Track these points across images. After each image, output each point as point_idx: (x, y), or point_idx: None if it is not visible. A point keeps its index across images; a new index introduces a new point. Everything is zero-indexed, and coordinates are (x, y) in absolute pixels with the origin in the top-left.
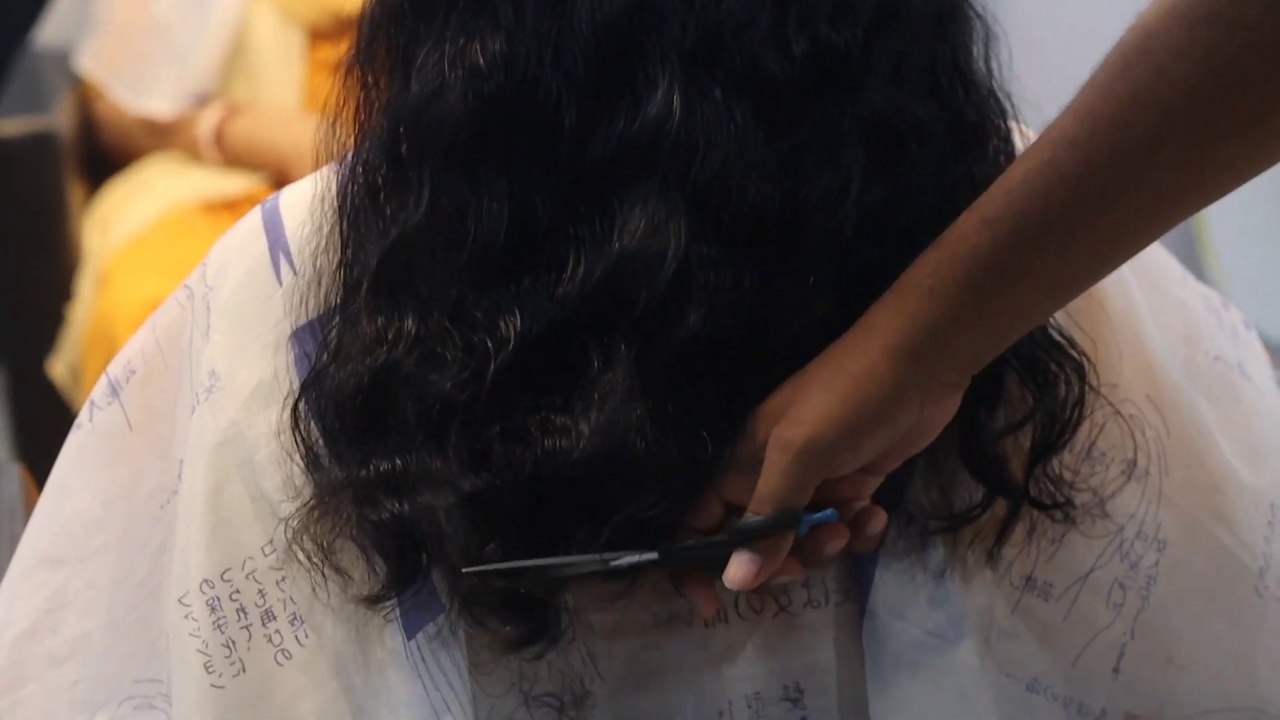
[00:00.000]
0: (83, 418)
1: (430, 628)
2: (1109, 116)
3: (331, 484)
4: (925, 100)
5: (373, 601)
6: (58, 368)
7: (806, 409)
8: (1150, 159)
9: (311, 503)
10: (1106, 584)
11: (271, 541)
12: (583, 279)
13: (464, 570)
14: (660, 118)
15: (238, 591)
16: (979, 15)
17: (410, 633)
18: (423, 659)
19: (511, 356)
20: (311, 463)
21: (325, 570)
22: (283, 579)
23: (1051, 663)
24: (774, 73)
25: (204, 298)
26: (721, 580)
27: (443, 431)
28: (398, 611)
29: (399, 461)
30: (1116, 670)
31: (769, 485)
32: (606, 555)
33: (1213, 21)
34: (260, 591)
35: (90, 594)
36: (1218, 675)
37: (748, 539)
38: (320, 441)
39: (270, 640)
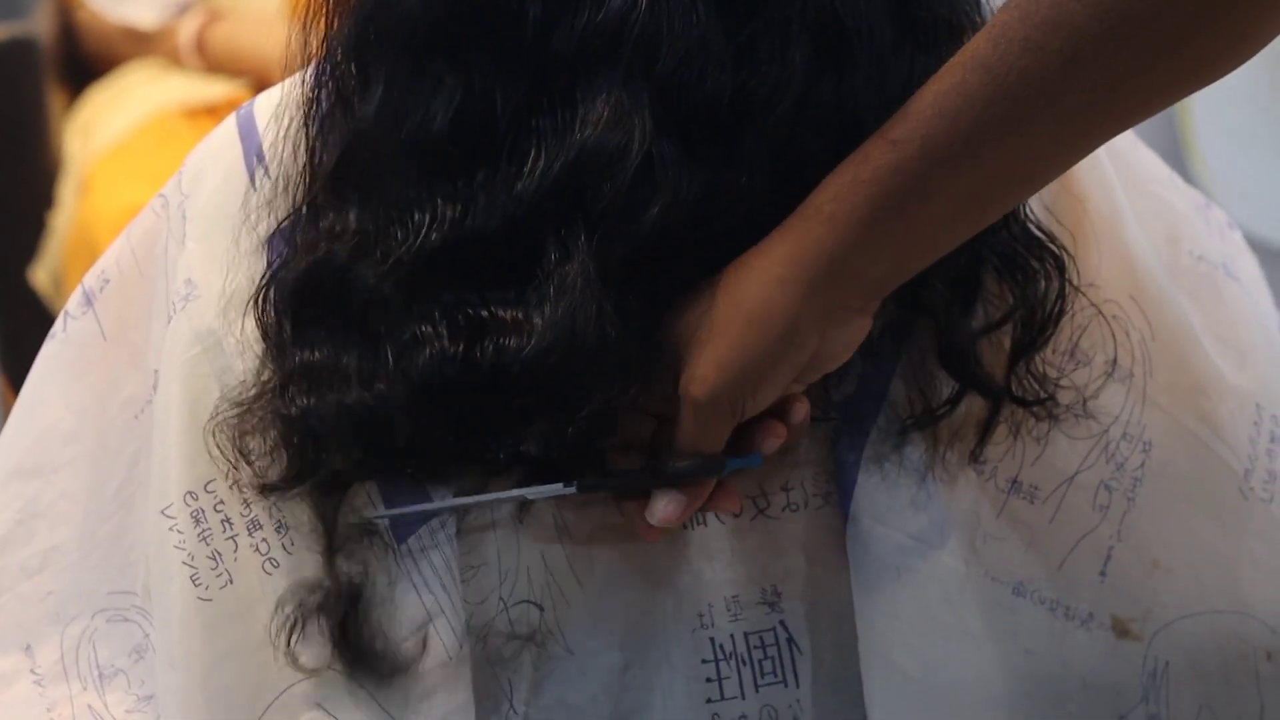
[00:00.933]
0: (57, 328)
1: (423, 531)
2: (1021, 39)
3: (269, 380)
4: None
5: (267, 490)
6: (40, 276)
7: (704, 361)
8: (1062, 83)
9: (242, 397)
10: (1092, 486)
11: (252, 450)
12: (543, 173)
13: (373, 518)
14: (625, 8)
15: (221, 502)
16: None
17: (400, 538)
18: (415, 563)
19: (449, 250)
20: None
21: (234, 459)
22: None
23: (1038, 566)
24: None
25: (179, 205)
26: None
27: (363, 327)
28: (386, 517)
29: (315, 356)
30: (1103, 573)
31: (685, 437)
32: (525, 490)
33: None
34: (245, 501)
35: (63, 505)
36: (1202, 578)
37: (673, 481)
38: (277, 340)
39: (257, 550)
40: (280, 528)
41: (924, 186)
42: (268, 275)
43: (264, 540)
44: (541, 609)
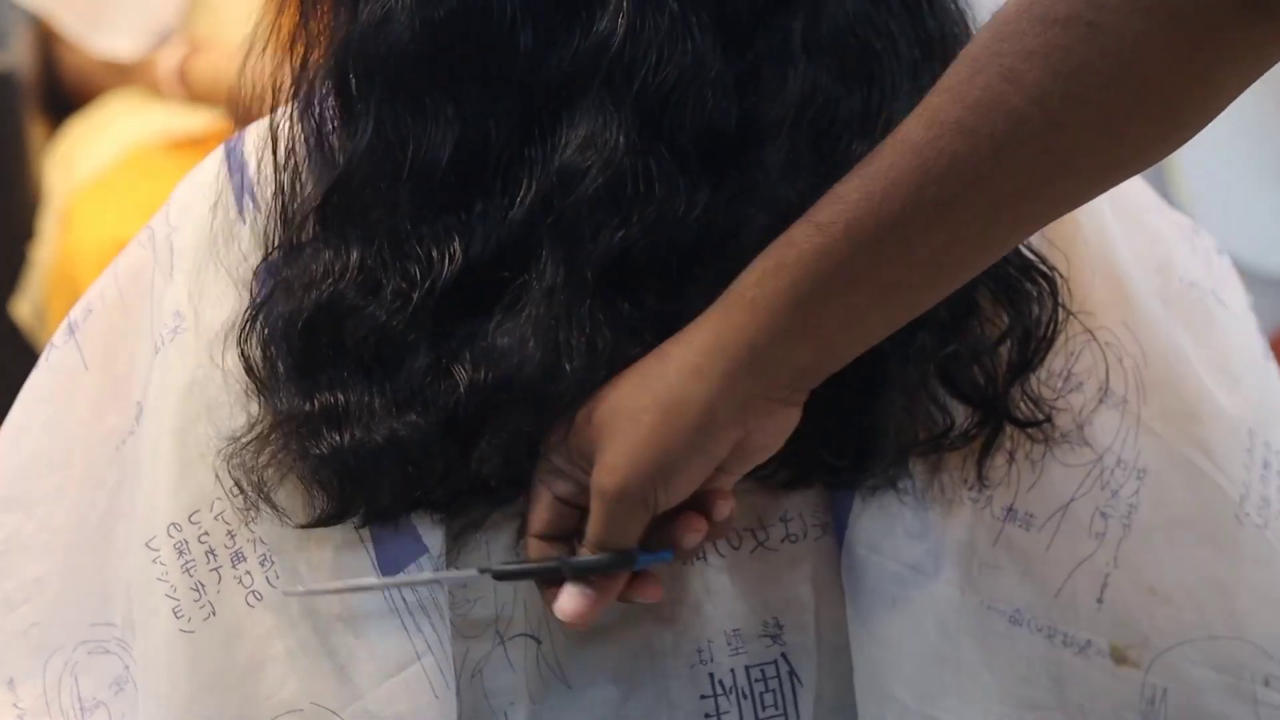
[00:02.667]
0: (41, 359)
1: (412, 568)
2: (954, 121)
3: (274, 417)
4: (897, 11)
5: (307, 530)
6: (22, 308)
7: (615, 451)
8: (994, 167)
9: (250, 436)
10: (1088, 513)
11: (239, 482)
12: (533, 199)
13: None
14: (606, 32)
15: (206, 534)
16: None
17: (388, 573)
18: (402, 599)
19: (455, 283)
20: (263, 396)
21: (261, 505)
22: (252, 519)
23: (1035, 594)
24: None
25: (166, 238)
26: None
27: (380, 364)
28: (373, 552)
29: (339, 395)
30: (1100, 600)
31: (595, 531)
32: (441, 574)
33: (1067, 23)
34: (229, 533)
35: (45, 536)
36: (1199, 604)
37: (580, 574)
38: (266, 376)
39: (241, 582)
40: (265, 561)
41: (850, 272)
42: (251, 311)
43: (248, 573)
44: (539, 642)
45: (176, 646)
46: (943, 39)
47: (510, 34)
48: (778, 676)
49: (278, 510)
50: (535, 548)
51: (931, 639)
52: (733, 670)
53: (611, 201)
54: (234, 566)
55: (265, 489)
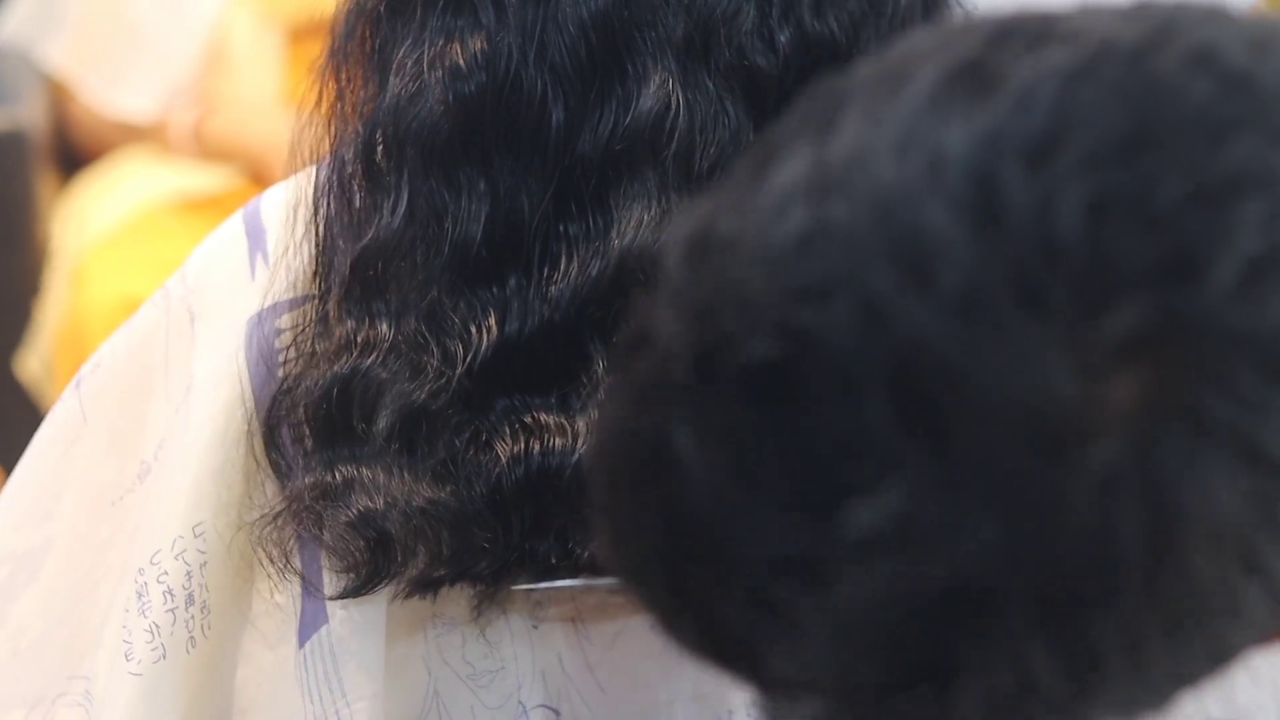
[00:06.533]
0: (49, 415)
1: (318, 637)
2: None
3: (297, 490)
4: None
5: (339, 599)
6: (32, 364)
7: None
8: None
9: (277, 508)
10: None
11: (201, 523)
12: (579, 277)
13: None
14: (658, 111)
15: (165, 573)
16: (961, 4)
17: (301, 639)
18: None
19: (492, 358)
20: (278, 469)
21: (286, 573)
22: (204, 564)
23: None
24: (761, 65)
25: (182, 299)
26: None
27: (415, 439)
28: (298, 617)
29: (366, 469)
30: None
31: None
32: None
33: None
34: (187, 574)
35: (33, 587)
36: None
37: None
38: (289, 447)
39: (188, 626)
40: (204, 609)
41: None
42: (282, 386)
43: (193, 618)
44: (558, 713)
45: (124, 688)
46: None
47: (541, 109)
48: None
49: (305, 581)
50: None
51: None
52: None
53: None
54: (186, 609)
55: (292, 560)
